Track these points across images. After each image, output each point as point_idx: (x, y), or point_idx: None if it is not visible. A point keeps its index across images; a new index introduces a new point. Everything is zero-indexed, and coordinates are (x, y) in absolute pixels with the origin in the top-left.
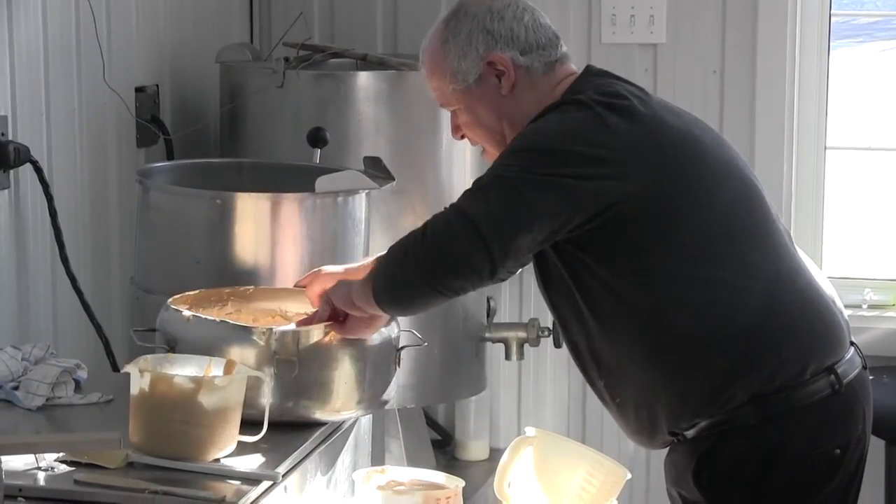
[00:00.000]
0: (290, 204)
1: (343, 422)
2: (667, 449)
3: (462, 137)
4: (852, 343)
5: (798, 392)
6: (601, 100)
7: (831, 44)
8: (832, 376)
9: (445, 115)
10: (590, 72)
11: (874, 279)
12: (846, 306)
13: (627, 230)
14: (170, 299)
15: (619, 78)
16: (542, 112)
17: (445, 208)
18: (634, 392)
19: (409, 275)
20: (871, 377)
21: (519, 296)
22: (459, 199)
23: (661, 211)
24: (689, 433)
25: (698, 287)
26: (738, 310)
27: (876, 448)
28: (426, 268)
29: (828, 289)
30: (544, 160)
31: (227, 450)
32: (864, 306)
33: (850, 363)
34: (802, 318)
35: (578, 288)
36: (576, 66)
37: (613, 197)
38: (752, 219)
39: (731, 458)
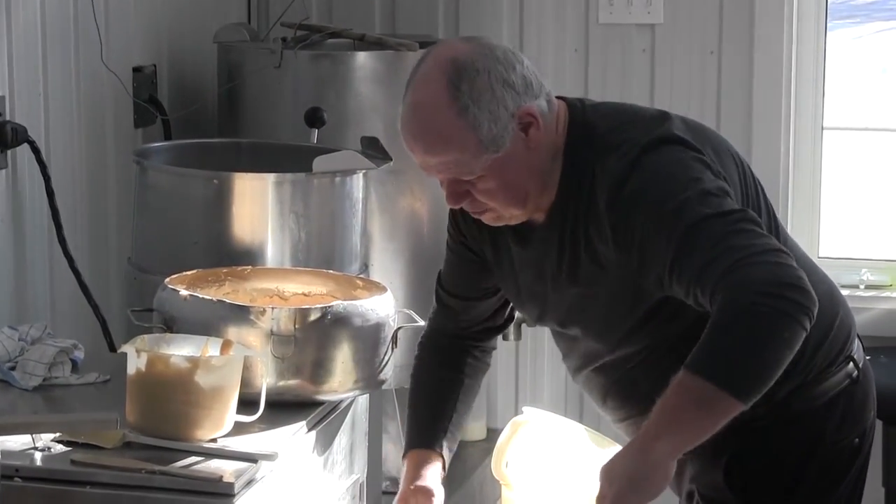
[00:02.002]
0: (288, 184)
1: (340, 401)
2: None
3: (462, 206)
4: None
5: (823, 384)
6: (674, 137)
7: (829, 24)
8: (851, 364)
9: None
10: (578, 111)
11: (871, 259)
12: (843, 287)
13: None
14: (167, 279)
15: (608, 105)
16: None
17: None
18: None
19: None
20: (867, 357)
21: None
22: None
23: None
24: None
25: None
26: None
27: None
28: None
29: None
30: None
31: (224, 429)
32: (862, 287)
33: (859, 350)
34: (831, 309)
35: (646, 317)
36: (574, 47)
37: None
38: (770, 215)
39: (765, 457)
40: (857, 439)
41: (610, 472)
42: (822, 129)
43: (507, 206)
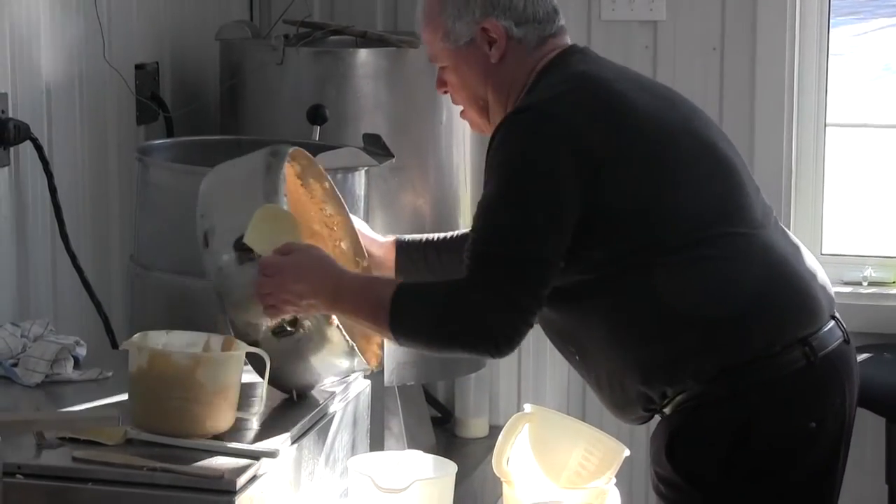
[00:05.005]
0: None
1: (342, 398)
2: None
3: (445, 93)
4: (833, 317)
5: (770, 364)
6: (542, 109)
7: (831, 20)
8: (806, 348)
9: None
10: (564, 55)
11: (874, 256)
12: (846, 283)
13: (602, 215)
14: None
15: (592, 61)
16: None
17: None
18: (606, 367)
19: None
20: (870, 355)
21: None
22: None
23: (629, 195)
24: (667, 410)
25: (659, 258)
26: (702, 282)
27: (876, 425)
28: None
29: (809, 263)
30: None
31: (226, 426)
32: (865, 284)
33: (827, 335)
34: (772, 292)
35: None
36: (574, 42)
37: (587, 200)
38: (723, 193)
39: (703, 433)
40: (812, 423)
41: (299, 275)
42: (825, 125)
43: (470, 107)
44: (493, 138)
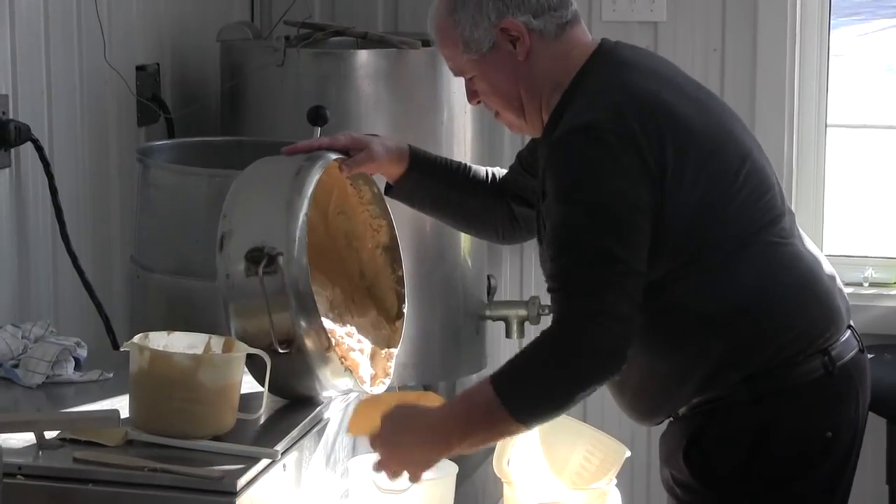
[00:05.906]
0: None
1: (343, 399)
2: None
3: (478, 103)
4: (849, 326)
5: (790, 372)
6: (607, 127)
7: (833, 21)
8: (826, 357)
9: (446, 93)
10: (599, 56)
11: (875, 257)
12: (847, 284)
13: (660, 229)
14: None
15: (632, 66)
16: (552, 117)
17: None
18: (632, 374)
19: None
20: (871, 356)
21: (519, 274)
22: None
23: (665, 197)
24: (682, 411)
25: (697, 269)
26: (735, 293)
27: (877, 426)
28: None
29: (828, 270)
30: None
31: (227, 427)
32: (865, 284)
33: (845, 345)
34: (799, 302)
35: None
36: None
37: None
38: (758, 201)
39: (720, 438)
40: (828, 432)
41: (400, 431)
42: (826, 126)
43: (506, 111)
44: (549, 155)
